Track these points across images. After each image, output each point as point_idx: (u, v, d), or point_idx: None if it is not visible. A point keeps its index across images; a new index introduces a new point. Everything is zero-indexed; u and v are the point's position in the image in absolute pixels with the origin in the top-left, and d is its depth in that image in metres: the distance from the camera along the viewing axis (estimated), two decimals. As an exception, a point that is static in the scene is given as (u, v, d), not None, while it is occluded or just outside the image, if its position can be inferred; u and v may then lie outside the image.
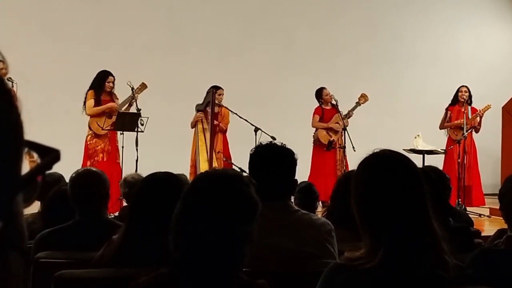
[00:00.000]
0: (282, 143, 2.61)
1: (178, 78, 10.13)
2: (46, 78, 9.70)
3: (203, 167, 7.71)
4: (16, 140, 1.02)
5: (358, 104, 8.54)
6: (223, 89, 8.14)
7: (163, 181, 2.33)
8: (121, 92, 7.82)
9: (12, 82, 6.76)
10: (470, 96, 8.50)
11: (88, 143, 7.64)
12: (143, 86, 7.72)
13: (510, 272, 2.22)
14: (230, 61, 10.45)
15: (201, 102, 8.15)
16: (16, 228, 1.08)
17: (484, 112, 8.26)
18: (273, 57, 10.65)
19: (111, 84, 7.67)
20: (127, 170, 6.83)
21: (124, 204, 5.04)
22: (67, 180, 3.30)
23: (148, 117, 7.35)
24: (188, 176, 7.28)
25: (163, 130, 9.38)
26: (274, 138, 7.12)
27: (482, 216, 7.68)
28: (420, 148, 8.02)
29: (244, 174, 1.85)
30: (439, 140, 8.62)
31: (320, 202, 7.20)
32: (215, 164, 7.75)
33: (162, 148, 9.37)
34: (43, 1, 9.97)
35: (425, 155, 7.93)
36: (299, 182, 4.36)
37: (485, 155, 9.35)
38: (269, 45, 10.65)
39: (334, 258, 2.41)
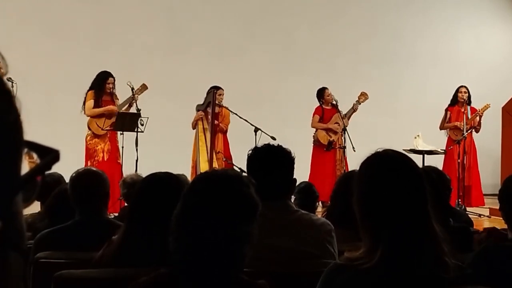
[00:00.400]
0: (278, 144, 2.62)
1: (178, 78, 10.13)
2: (46, 78, 9.70)
3: (203, 167, 7.72)
4: (15, 140, 1.02)
5: (358, 102, 8.54)
6: (223, 89, 8.14)
7: (163, 181, 2.33)
8: (121, 92, 7.82)
9: (12, 82, 6.75)
10: (469, 96, 8.50)
11: (88, 143, 7.64)
12: (144, 87, 7.72)
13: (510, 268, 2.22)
14: (230, 61, 10.45)
15: (201, 102, 8.16)
16: (16, 228, 1.08)
17: (483, 111, 8.26)
18: (273, 57, 10.65)
19: (111, 85, 7.67)
20: (127, 170, 6.84)
21: (124, 204, 5.04)
22: (67, 180, 3.30)
23: (148, 117, 7.35)
24: (188, 176, 7.28)
25: (163, 130, 9.38)
26: (274, 138, 7.13)
27: (482, 216, 7.69)
28: (420, 148, 8.03)
29: (244, 174, 1.85)
30: (439, 140, 8.62)
31: (320, 202, 7.21)
32: (215, 165, 7.76)
33: (162, 148, 9.37)
34: (43, 1, 9.96)
35: (425, 155, 7.93)
36: (299, 182, 4.39)
37: (485, 155, 9.35)
38: (269, 45, 10.65)
39: (334, 258, 2.41)
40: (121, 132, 7.55)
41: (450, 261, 1.72)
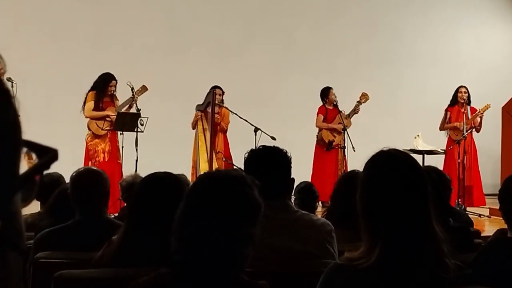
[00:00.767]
0: (273, 145, 2.65)
1: (178, 78, 10.13)
2: (46, 78, 9.70)
3: (203, 167, 7.71)
4: (14, 140, 1.02)
5: (359, 103, 8.54)
6: (221, 89, 8.13)
7: (163, 181, 2.33)
8: (121, 92, 7.81)
9: (12, 82, 6.76)
10: (469, 96, 8.49)
11: (89, 143, 7.64)
12: (144, 89, 7.71)
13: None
14: (230, 61, 10.45)
15: (201, 102, 8.15)
16: (15, 227, 1.08)
17: (483, 111, 8.26)
18: (273, 57, 10.65)
19: (113, 88, 7.67)
20: (127, 170, 6.83)
21: (124, 204, 5.03)
22: (67, 180, 3.30)
23: (148, 117, 7.35)
24: (188, 177, 7.28)
25: (163, 130, 9.38)
26: (274, 138, 7.13)
27: (482, 216, 7.68)
28: (420, 148, 8.02)
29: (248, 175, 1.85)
30: (439, 140, 8.62)
31: (320, 202, 7.21)
32: (215, 165, 7.75)
33: (162, 148, 9.37)
34: (43, 1, 9.96)
35: (425, 155, 7.93)
36: (299, 182, 4.39)
37: (485, 155, 9.35)
38: (269, 45, 10.65)
39: (334, 259, 2.41)
40: (121, 132, 7.55)
41: (450, 262, 1.72)
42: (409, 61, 11.16)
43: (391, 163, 1.81)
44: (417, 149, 7.94)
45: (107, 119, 7.61)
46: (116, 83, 7.68)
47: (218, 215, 1.62)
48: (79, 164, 7.14)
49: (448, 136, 8.62)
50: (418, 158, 7.61)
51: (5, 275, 1.10)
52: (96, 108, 7.62)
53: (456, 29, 11.42)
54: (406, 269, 1.70)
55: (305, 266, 2.38)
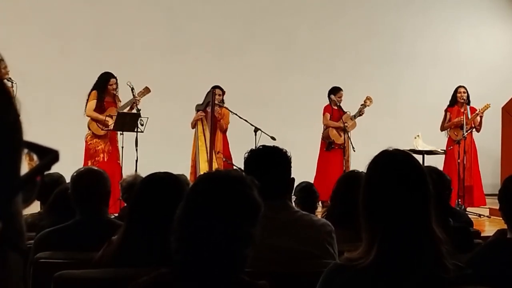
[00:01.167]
0: (273, 145, 2.65)
1: (178, 78, 10.13)
2: (46, 78, 9.70)
3: (203, 167, 7.71)
4: (15, 141, 1.02)
5: (364, 106, 8.57)
6: (221, 89, 8.13)
7: (163, 181, 2.33)
8: (122, 92, 7.82)
9: (12, 82, 6.75)
10: (468, 96, 8.50)
11: (89, 143, 7.64)
12: (146, 90, 7.70)
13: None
14: (230, 61, 10.45)
15: (201, 102, 8.15)
16: (16, 228, 1.08)
17: (483, 111, 8.26)
18: (273, 57, 10.65)
19: (113, 87, 7.66)
20: (127, 170, 6.83)
21: (124, 204, 5.04)
22: (67, 180, 3.30)
23: (148, 117, 7.35)
24: (188, 176, 7.28)
25: (163, 130, 9.38)
26: (274, 138, 7.13)
27: (481, 216, 7.68)
28: (419, 148, 8.02)
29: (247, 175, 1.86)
30: (439, 140, 8.62)
31: (320, 202, 7.21)
32: (215, 165, 7.75)
33: (162, 148, 9.37)
34: (43, 1, 9.96)
35: (425, 155, 7.93)
36: (301, 182, 4.39)
37: (485, 155, 9.34)
38: (269, 45, 10.65)
39: (334, 259, 2.41)
40: (121, 132, 7.55)
41: (449, 263, 1.72)
42: (409, 61, 11.16)
43: (394, 164, 1.82)
44: (417, 149, 7.93)
45: (105, 121, 7.60)
46: (116, 81, 7.68)
47: (218, 215, 1.62)
48: (79, 164, 7.14)
49: (448, 136, 8.62)
50: (418, 158, 7.55)
51: (5, 275, 1.10)
52: (98, 107, 7.62)
53: (456, 29, 11.42)
54: (405, 268, 1.71)
55: (305, 266, 2.38)
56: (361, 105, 8.59)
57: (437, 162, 6.80)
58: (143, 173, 2.85)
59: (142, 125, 7.39)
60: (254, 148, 2.69)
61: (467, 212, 6.77)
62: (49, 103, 9.63)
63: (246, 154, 2.61)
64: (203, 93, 8.12)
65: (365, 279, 1.71)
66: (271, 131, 7.47)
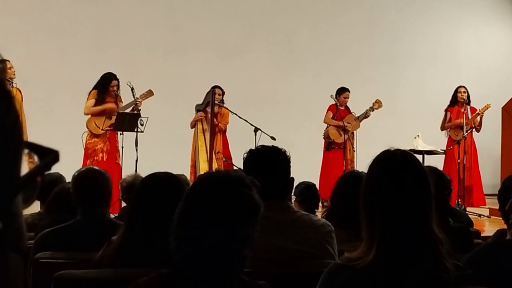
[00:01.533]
0: (272, 145, 2.65)
1: (178, 78, 10.14)
2: (46, 78, 9.70)
3: (203, 167, 7.71)
4: (15, 141, 1.02)
5: (371, 109, 8.58)
6: (221, 89, 8.13)
7: (162, 181, 2.33)
8: (123, 93, 7.82)
9: (12, 83, 6.76)
10: (468, 96, 8.50)
11: (87, 142, 7.63)
12: (149, 93, 7.70)
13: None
14: (230, 61, 10.46)
15: (201, 102, 8.15)
16: (16, 228, 1.08)
17: (483, 111, 8.26)
18: (273, 57, 10.65)
19: (114, 88, 7.66)
20: (127, 170, 6.83)
21: (124, 204, 5.04)
22: (67, 180, 3.29)
23: (147, 117, 7.35)
24: (188, 176, 7.28)
25: (163, 130, 9.39)
26: (274, 138, 7.12)
27: (481, 216, 7.68)
28: (420, 148, 8.02)
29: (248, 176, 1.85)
30: (439, 140, 8.62)
31: (320, 202, 7.21)
32: (215, 165, 7.75)
33: (162, 148, 9.38)
34: (43, 1, 9.97)
35: (425, 155, 7.93)
36: (300, 182, 4.39)
37: (485, 155, 9.35)
38: (269, 45, 10.65)
39: (334, 259, 2.41)
40: (121, 132, 7.55)
41: (448, 263, 1.72)
42: (409, 61, 11.16)
43: (395, 164, 1.82)
44: (417, 149, 7.93)
45: (108, 119, 7.59)
46: (118, 82, 7.68)
47: (217, 215, 1.62)
48: (79, 164, 7.15)
49: (448, 136, 8.62)
50: (418, 158, 7.61)
51: (5, 276, 1.10)
52: (97, 106, 7.62)
53: (456, 29, 11.43)
54: (404, 268, 1.71)
55: (305, 266, 2.38)
56: (369, 107, 8.60)
57: (437, 162, 6.79)
58: (143, 173, 2.85)
59: (142, 125, 7.39)
60: (253, 148, 2.69)
61: (467, 212, 6.77)
62: (49, 103, 9.63)
63: (245, 154, 2.61)
64: (203, 93, 8.12)
65: (365, 279, 1.71)
66: (270, 131, 7.46)
